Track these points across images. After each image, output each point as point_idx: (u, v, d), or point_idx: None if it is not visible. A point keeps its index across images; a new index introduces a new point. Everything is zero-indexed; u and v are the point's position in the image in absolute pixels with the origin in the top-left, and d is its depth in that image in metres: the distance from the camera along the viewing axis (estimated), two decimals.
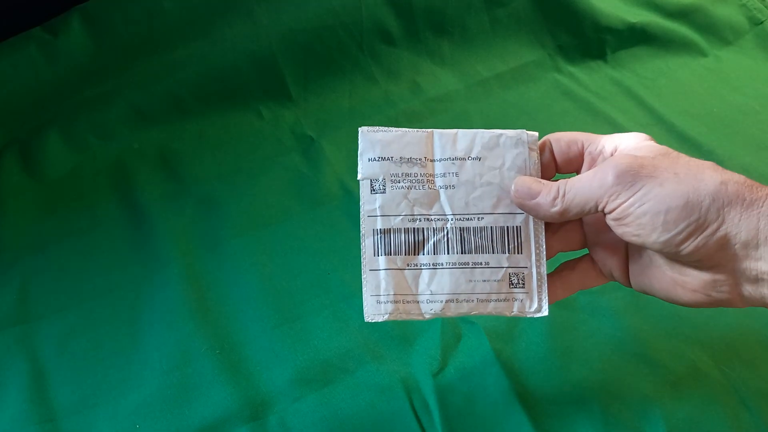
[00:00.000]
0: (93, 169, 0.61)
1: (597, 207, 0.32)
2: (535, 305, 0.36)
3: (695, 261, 0.31)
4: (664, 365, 0.47)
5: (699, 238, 0.30)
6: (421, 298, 0.35)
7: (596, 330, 0.49)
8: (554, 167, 0.36)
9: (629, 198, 0.30)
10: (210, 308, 0.51)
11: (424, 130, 0.36)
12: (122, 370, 0.47)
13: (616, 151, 0.34)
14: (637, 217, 0.30)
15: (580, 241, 0.38)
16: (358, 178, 0.35)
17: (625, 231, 0.31)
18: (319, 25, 0.69)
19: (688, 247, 0.30)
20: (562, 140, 0.36)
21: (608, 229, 0.33)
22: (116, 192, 0.60)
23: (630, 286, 0.37)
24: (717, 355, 0.48)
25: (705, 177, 0.30)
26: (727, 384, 0.46)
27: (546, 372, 0.47)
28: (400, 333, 0.49)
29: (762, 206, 0.30)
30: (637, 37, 0.78)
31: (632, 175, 0.30)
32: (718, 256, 0.30)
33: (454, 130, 0.36)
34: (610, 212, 0.31)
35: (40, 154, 0.60)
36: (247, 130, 0.66)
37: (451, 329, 0.49)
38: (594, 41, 0.77)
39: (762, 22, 0.80)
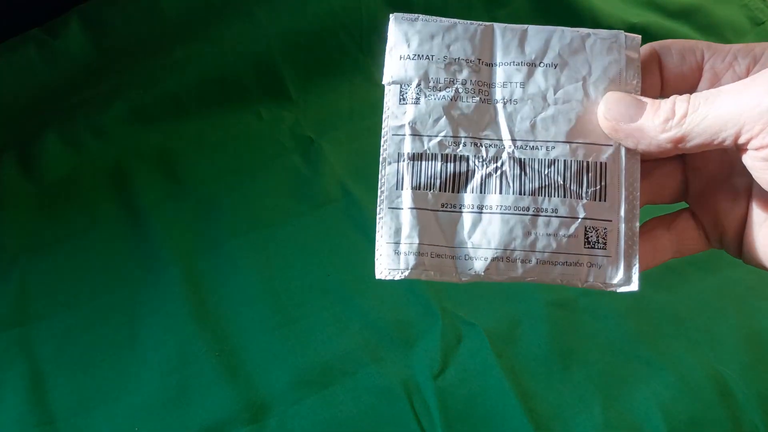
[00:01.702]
0: (92, 170, 0.61)
1: (737, 138, 0.23)
2: (621, 275, 0.26)
3: None
4: (665, 367, 0.47)
5: None
6: (458, 252, 0.26)
7: (597, 331, 0.49)
8: (659, 87, 0.27)
9: None
10: (209, 310, 0.50)
11: (481, 22, 0.27)
12: (121, 371, 0.47)
13: (755, 66, 0.26)
14: None
15: (678, 191, 0.30)
16: (383, 82, 0.27)
17: None
18: (319, 25, 0.69)
19: None
20: (673, 48, 0.27)
21: (729, 174, 0.26)
22: (115, 193, 0.60)
23: (740, 257, 0.28)
24: (718, 356, 0.48)
25: None
26: (728, 386, 0.46)
27: (547, 374, 0.46)
28: (400, 335, 0.49)
29: None
30: None
31: None
32: None
33: (524, 26, 0.27)
34: (762, 148, 0.23)
35: (39, 155, 0.60)
36: (247, 130, 0.66)
37: (451, 330, 0.48)
38: None
39: (763, 23, 0.80)
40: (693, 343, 0.48)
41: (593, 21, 0.77)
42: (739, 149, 0.23)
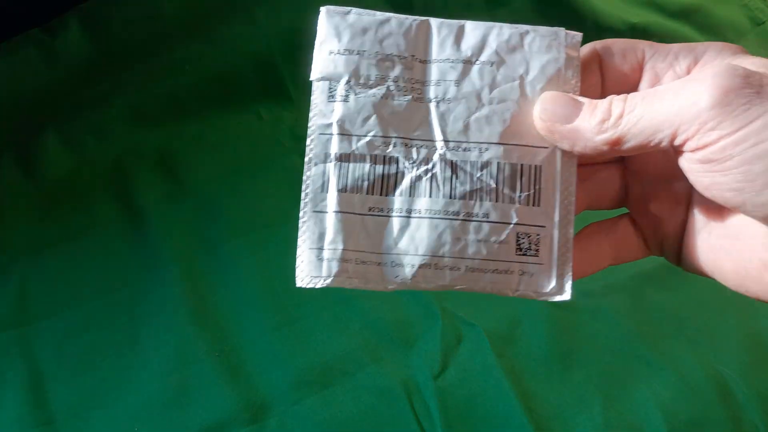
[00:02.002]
0: (91, 170, 0.61)
1: (673, 139, 0.22)
2: (553, 283, 0.25)
3: None
4: (666, 367, 0.47)
5: None
6: (385, 258, 0.25)
7: (597, 332, 0.49)
8: (599, 87, 0.26)
9: (737, 131, 0.20)
10: (209, 310, 0.50)
11: (417, 17, 0.26)
12: (121, 372, 0.47)
13: (695, 66, 0.25)
14: (746, 161, 0.20)
15: (618, 196, 0.28)
16: (311, 78, 0.26)
17: (717, 182, 0.22)
18: (318, 25, 0.69)
19: None
20: (614, 47, 0.26)
21: (669, 178, 0.24)
22: (115, 193, 0.59)
23: (679, 264, 0.27)
24: (718, 356, 0.48)
25: None
26: (728, 386, 0.46)
27: (547, 374, 0.46)
28: (400, 335, 0.48)
29: None
30: (638, 37, 0.77)
31: (747, 96, 0.20)
32: None
33: (461, 21, 0.26)
34: (697, 150, 0.21)
35: (38, 155, 0.60)
36: (247, 131, 0.66)
37: (451, 331, 0.48)
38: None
39: (764, 23, 0.80)
40: (693, 343, 0.48)
41: (593, 21, 0.76)
42: (676, 151, 0.23)
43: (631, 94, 0.23)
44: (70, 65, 0.62)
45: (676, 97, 0.22)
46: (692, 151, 0.22)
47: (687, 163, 0.22)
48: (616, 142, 0.23)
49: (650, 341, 0.48)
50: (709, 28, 0.79)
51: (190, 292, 0.51)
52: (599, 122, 0.23)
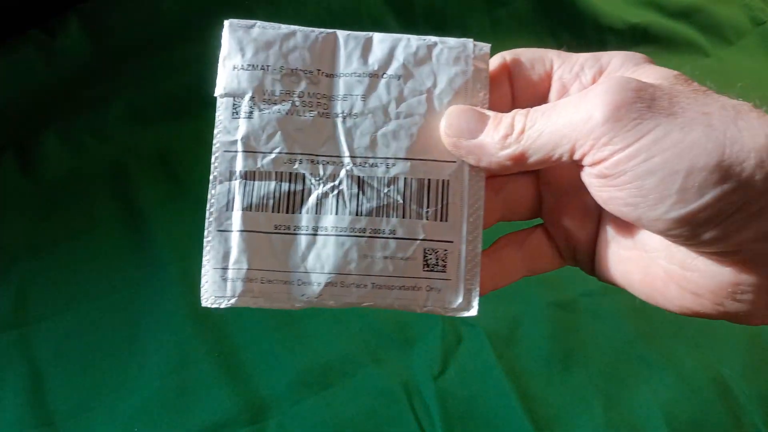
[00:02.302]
0: (91, 170, 0.60)
1: (572, 154, 0.22)
2: (460, 299, 0.25)
3: (717, 252, 0.21)
4: (666, 368, 0.47)
5: (732, 219, 0.20)
6: (292, 277, 0.25)
7: (598, 332, 0.49)
8: (510, 98, 0.26)
9: (629, 146, 0.20)
10: (209, 311, 0.50)
11: (324, 30, 0.26)
12: (120, 373, 0.47)
13: (600, 76, 0.25)
14: (639, 176, 0.20)
15: (532, 207, 0.28)
16: (215, 94, 0.26)
17: (613, 197, 0.22)
18: (318, 25, 0.68)
19: (713, 231, 0.20)
20: (523, 58, 0.25)
21: (580, 189, 0.23)
22: (114, 194, 0.59)
23: (593, 274, 0.27)
24: (719, 357, 0.48)
25: (749, 125, 0.20)
26: (728, 386, 0.46)
27: (547, 375, 0.46)
28: (400, 335, 0.48)
29: None
30: (639, 37, 0.77)
31: (638, 110, 0.20)
32: (755, 248, 0.21)
33: (368, 33, 0.26)
34: (594, 165, 0.21)
35: (38, 155, 0.60)
36: None
37: (451, 331, 0.48)
38: (595, 41, 0.77)
39: (764, 23, 0.80)
40: (694, 343, 0.48)
41: (593, 21, 0.76)
42: (577, 165, 0.22)
43: (533, 109, 0.23)
44: (69, 65, 0.62)
45: (573, 112, 0.21)
46: (590, 165, 0.21)
47: (587, 178, 0.22)
48: (520, 158, 0.23)
49: (651, 342, 0.48)
50: (710, 28, 0.79)
51: (189, 292, 0.51)
52: (502, 137, 0.23)
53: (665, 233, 0.21)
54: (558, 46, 0.77)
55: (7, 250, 0.55)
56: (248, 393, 0.45)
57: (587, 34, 0.77)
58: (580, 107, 0.21)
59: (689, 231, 0.21)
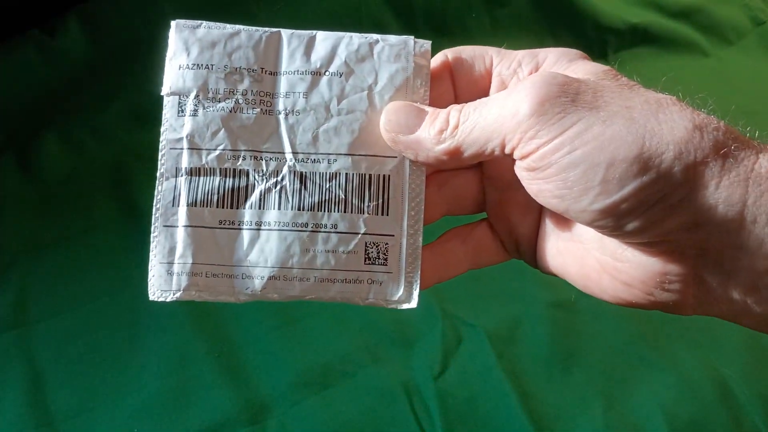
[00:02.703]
0: (91, 171, 0.60)
1: (504, 148, 0.22)
2: (401, 291, 0.26)
3: (643, 243, 0.22)
4: (666, 368, 0.47)
5: (653, 210, 0.20)
6: (236, 271, 0.25)
7: (598, 332, 0.49)
8: (452, 95, 0.26)
9: (554, 138, 0.21)
10: (208, 311, 0.50)
11: (267, 29, 0.26)
12: (120, 373, 0.47)
13: (537, 71, 0.25)
14: (563, 169, 0.21)
15: (477, 201, 0.29)
16: (162, 93, 0.26)
17: (542, 189, 0.22)
18: (318, 25, 0.68)
19: (636, 221, 0.21)
20: (464, 55, 0.26)
21: (518, 182, 0.24)
22: (114, 194, 0.59)
23: (536, 266, 0.28)
24: (719, 357, 0.48)
25: (669, 117, 0.21)
26: (729, 386, 0.46)
27: (547, 375, 0.46)
28: (400, 335, 0.48)
29: (752, 168, 0.20)
30: (639, 37, 0.77)
31: (562, 104, 0.21)
32: (678, 238, 0.21)
33: (312, 32, 0.26)
34: (523, 158, 0.22)
35: (38, 156, 0.60)
36: None
37: (451, 331, 0.48)
38: (595, 41, 0.77)
39: (764, 23, 0.80)
40: (694, 343, 0.48)
41: (594, 21, 0.76)
42: (513, 160, 0.23)
43: (467, 104, 0.23)
44: (69, 65, 0.62)
45: (502, 106, 0.22)
46: (520, 159, 0.22)
47: (518, 171, 0.23)
48: (455, 152, 0.23)
49: (651, 342, 0.48)
50: (710, 28, 0.79)
51: None
52: (438, 132, 0.24)
53: (592, 224, 0.22)
54: (557, 46, 0.77)
55: (7, 250, 0.55)
56: (248, 393, 0.45)
57: (587, 34, 0.77)
58: (508, 102, 0.22)
59: (613, 222, 0.21)
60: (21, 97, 0.61)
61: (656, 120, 0.20)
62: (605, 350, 0.48)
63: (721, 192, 0.20)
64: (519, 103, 0.21)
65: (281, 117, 0.26)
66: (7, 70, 0.60)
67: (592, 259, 0.25)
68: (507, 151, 0.22)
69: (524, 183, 0.23)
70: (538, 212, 0.27)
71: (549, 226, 0.27)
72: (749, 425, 0.44)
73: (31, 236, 0.56)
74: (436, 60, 0.26)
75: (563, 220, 0.26)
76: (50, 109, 0.62)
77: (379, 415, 0.44)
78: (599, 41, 0.77)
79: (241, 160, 0.25)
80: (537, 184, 0.22)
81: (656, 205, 0.20)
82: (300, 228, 0.25)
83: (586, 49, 0.81)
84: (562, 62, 0.25)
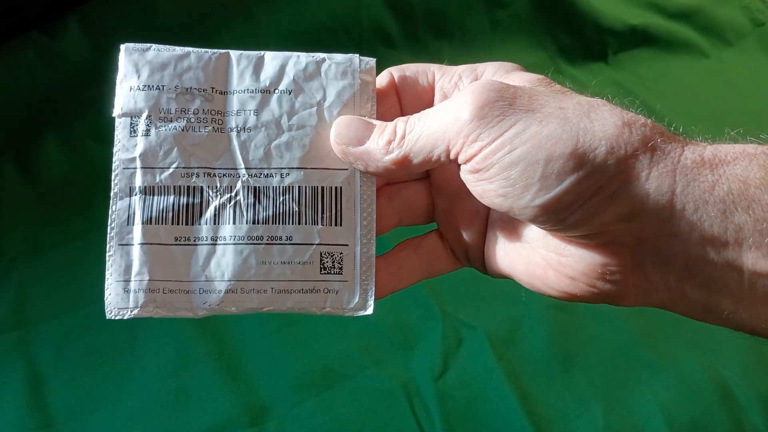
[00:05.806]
0: (90, 172, 0.60)
1: (449, 153, 0.23)
2: (356, 299, 0.27)
3: (582, 236, 0.23)
4: (666, 369, 0.47)
5: (591, 202, 0.22)
6: (193, 286, 0.26)
7: (598, 334, 0.49)
8: (398, 110, 0.28)
9: (494, 140, 0.22)
10: None
11: (216, 50, 0.27)
12: (120, 375, 0.47)
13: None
14: (505, 167, 0.22)
15: (427, 211, 0.30)
16: (113, 115, 0.26)
17: (486, 189, 0.23)
18: (318, 26, 0.69)
19: (576, 215, 0.22)
20: (407, 71, 0.28)
21: (468, 193, 0.25)
22: None
23: (485, 271, 0.29)
24: (719, 358, 0.48)
25: (601, 116, 0.22)
26: (729, 388, 0.46)
27: (547, 376, 0.46)
28: (400, 337, 0.48)
29: (679, 159, 0.22)
30: (639, 38, 0.77)
31: (500, 108, 0.22)
32: (616, 229, 0.22)
33: (260, 52, 0.27)
34: (467, 161, 0.23)
35: (38, 157, 0.60)
36: None
37: (452, 333, 0.48)
38: (595, 43, 0.77)
39: (764, 24, 0.80)
40: (694, 345, 0.48)
41: (594, 22, 0.76)
42: (458, 165, 0.24)
43: (413, 115, 0.25)
44: (69, 67, 0.62)
45: (444, 115, 0.23)
46: (464, 163, 0.23)
47: (463, 175, 0.24)
48: (403, 161, 0.24)
49: (651, 343, 0.48)
50: (710, 29, 0.79)
51: None
52: (386, 143, 0.25)
53: (535, 221, 0.23)
54: (557, 47, 0.77)
55: (6, 251, 0.55)
56: (248, 395, 0.45)
57: (587, 36, 0.77)
58: (450, 109, 0.23)
59: (555, 216, 0.22)
60: (21, 99, 0.61)
61: (588, 119, 0.22)
62: (605, 351, 0.48)
63: (651, 182, 0.21)
64: (460, 110, 0.23)
65: (233, 134, 0.26)
66: (6, 71, 0.60)
67: (537, 257, 0.26)
68: (452, 156, 0.23)
69: (469, 186, 0.24)
70: (485, 219, 0.28)
71: (495, 231, 0.28)
72: (749, 426, 0.44)
73: (31, 238, 0.56)
74: (382, 78, 0.28)
75: (509, 224, 0.27)
76: (50, 111, 0.62)
77: (379, 416, 0.44)
78: (599, 43, 0.77)
79: (194, 177, 0.26)
80: (481, 185, 0.23)
81: (593, 198, 0.22)
82: (255, 241, 0.26)
83: (586, 50, 0.81)
84: (500, 73, 0.26)
